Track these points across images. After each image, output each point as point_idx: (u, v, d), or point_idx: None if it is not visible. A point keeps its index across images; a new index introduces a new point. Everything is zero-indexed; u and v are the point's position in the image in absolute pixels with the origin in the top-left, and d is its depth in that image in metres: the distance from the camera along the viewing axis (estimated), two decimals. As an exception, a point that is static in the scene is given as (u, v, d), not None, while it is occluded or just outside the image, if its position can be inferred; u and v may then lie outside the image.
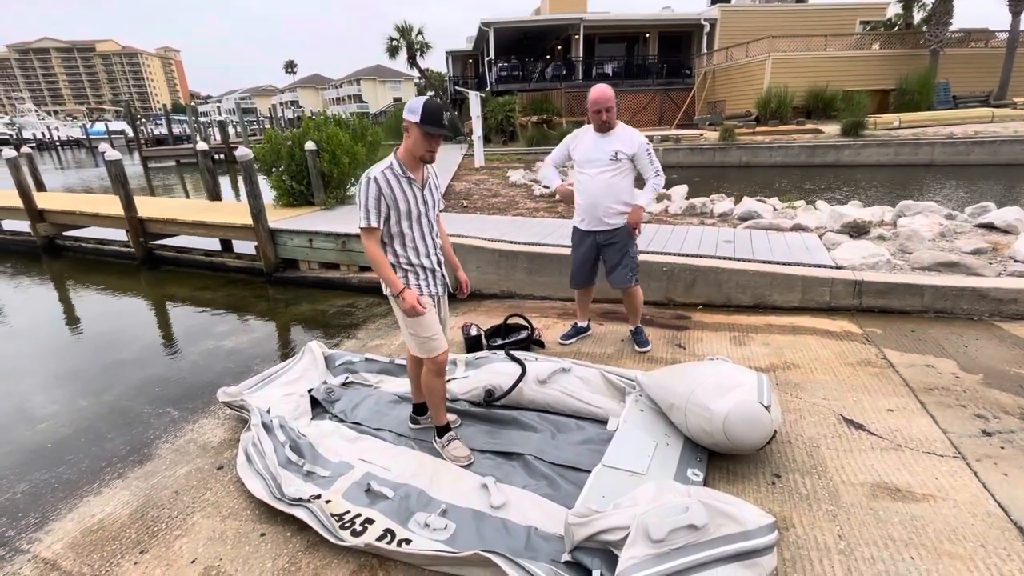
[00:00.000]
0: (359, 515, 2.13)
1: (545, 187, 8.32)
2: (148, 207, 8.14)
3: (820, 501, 2.06)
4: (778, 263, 4.18)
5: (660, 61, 24.53)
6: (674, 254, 4.40)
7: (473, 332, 3.70)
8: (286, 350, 4.75)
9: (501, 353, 3.26)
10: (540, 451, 2.48)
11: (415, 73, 27.33)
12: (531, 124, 19.40)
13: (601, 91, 3.04)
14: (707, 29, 23.45)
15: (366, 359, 3.58)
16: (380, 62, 75.91)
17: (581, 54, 23.75)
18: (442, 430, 2.55)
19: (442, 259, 2.47)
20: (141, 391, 3.94)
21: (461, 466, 2.43)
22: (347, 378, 3.35)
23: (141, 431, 3.27)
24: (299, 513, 2.11)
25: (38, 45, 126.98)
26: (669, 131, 18.54)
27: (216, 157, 22.72)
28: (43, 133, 53.80)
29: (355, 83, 79.68)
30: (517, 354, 3.15)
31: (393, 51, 25.26)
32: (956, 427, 2.46)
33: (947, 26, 19.04)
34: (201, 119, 36.53)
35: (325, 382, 3.32)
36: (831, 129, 16.28)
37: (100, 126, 54.08)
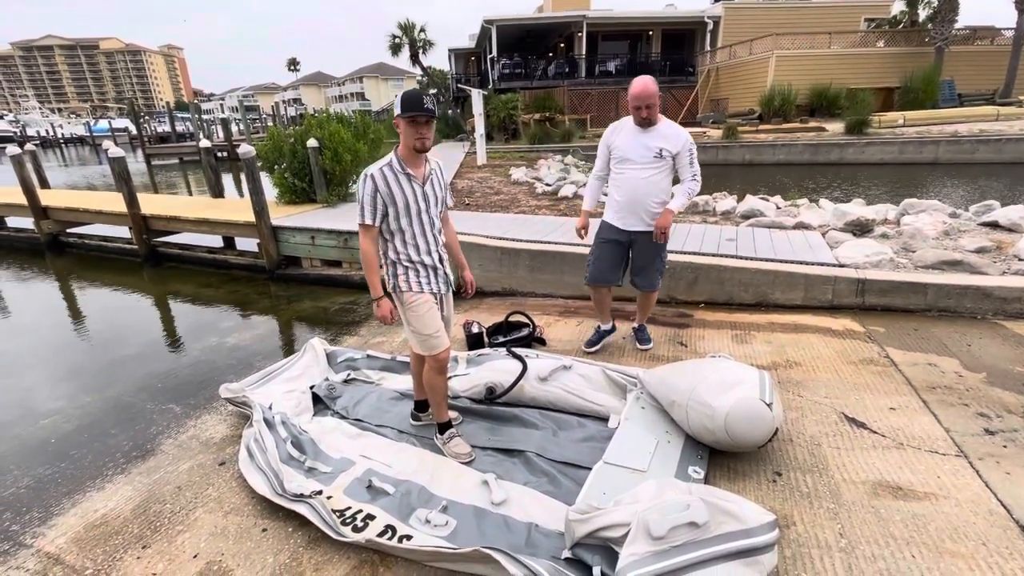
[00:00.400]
0: (360, 511, 2.14)
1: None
2: (151, 204, 8.16)
3: (821, 499, 2.06)
4: (781, 261, 4.16)
5: (663, 59, 24.47)
6: (676, 252, 4.39)
7: (475, 329, 3.71)
8: (288, 347, 4.76)
9: (502, 350, 3.26)
10: (541, 448, 2.48)
11: (418, 71, 27.29)
12: (533, 122, 19.36)
13: (643, 86, 2.80)
14: (710, 27, 23.38)
15: (368, 356, 3.58)
16: (383, 60, 75.80)
17: (584, 52, 23.70)
18: (443, 427, 2.55)
19: (445, 256, 2.46)
20: (144, 387, 3.96)
21: (462, 463, 2.43)
22: (349, 375, 3.36)
23: (144, 427, 3.28)
24: (300, 509, 2.11)
25: (42, 43, 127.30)
26: (672, 129, 18.43)
27: (219, 154, 22.75)
28: (47, 130, 53.92)
29: (358, 81, 79.70)
30: (518, 351, 3.15)
31: (396, 49, 25.22)
32: (958, 426, 2.45)
33: (952, 23, 18.93)
34: (204, 117, 36.58)
35: (327, 379, 3.32)
36: (835, 127, 16.23)
37: (104, 123, 54.16)
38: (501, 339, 3.65)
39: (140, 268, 7.57)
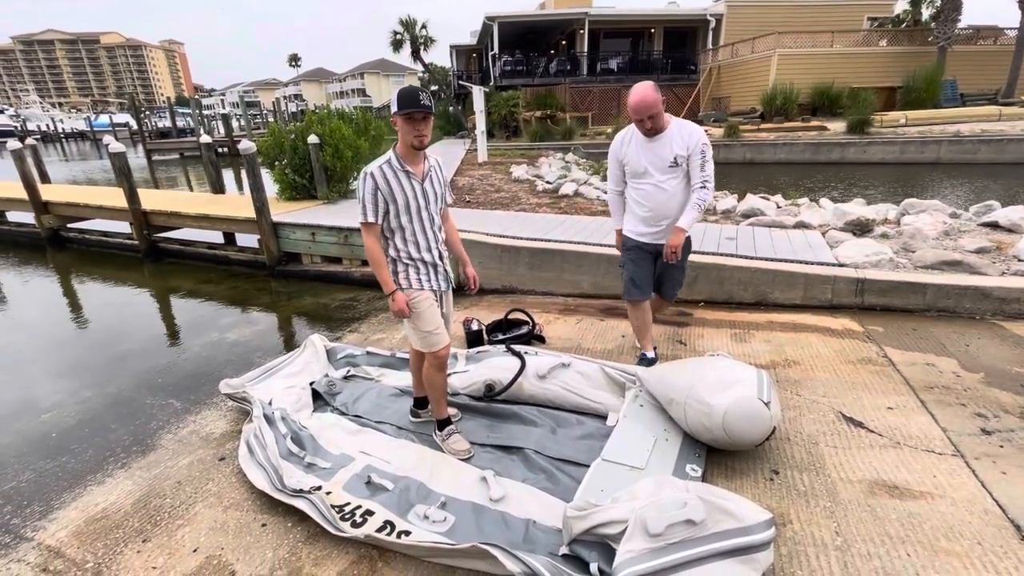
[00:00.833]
0: (359, 506, 2.15)
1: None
2: (152, 200, 8.16)
3: (818, 498, 2.07)
4: (780, 260, 4.17)
5: (665, 57, 24.43)
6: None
7: (474, 327, 3.71)
8: (288, 343, 4.77)
9: (502, 347, 3.27)
10: (540, 445, 2.49)
11: (419, 67, 27.22)
12: (535, 119, 19.34)
13: (640, 96, 2.57)
14: (713, 24, 23.31)
15: (368, 353, 3.59)
16: (384, 56, 75.62)
17: (586, 49, 23.66)
18: (443, 424, 2.56)
19: (445, 254, 2.47)
20: (144, 382, 3.97)
21: (461, 459, 2.44)
22: (349, 371, 3.37)
23: (144, 422, 3.30)
24: (300, 504, 2.12)
25: (42, 37, 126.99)
26: (673, 127, 18.40)
27: (219, 150, 22.75)
28: (47, 125, 53.92)
29: (359, 77, 79.53)
30: (516, 348, 3.16)
31: (397, 45, 25.18)
32: (955, 425, 2.46)
33: (955, 23, 18.88)
34: (205, 112, 36.51)
35: (327, 375, 3.34)
36: (836, 126, 16.20)
37: (104, 118, 54.15)
38: (501, 336, 3.66)
39: (140, 264, 7.58)
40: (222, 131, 29.68)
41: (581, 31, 23.41)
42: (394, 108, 2.13)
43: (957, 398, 2.68)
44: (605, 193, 3.28)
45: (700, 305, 4.21)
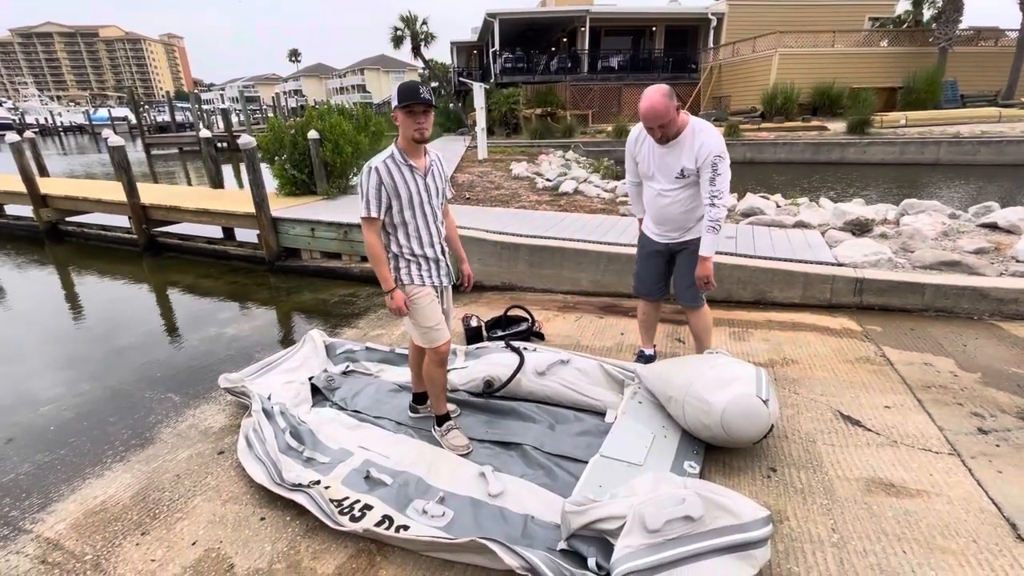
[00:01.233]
0: (358, 501, 2.15)
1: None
2: (151, 194, 8.14)
3: (815, 495, 2.08)
4: (780, 260, 4.17)
5: (666, 55, 24.39)
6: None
7: (474, 323, 3.72)
8: (287, 338, 4.77)
9: (500, 344, 3.27)
10: (538, 441, 2.50)
11: (419, 63, 27.19)
12: (535, 117, 19.30)
13: (649, 104, 2.42)
14: (714, 23, 23.27)
15: (367, 348, 3.60)
16: (384, 52, 75.51)
17: (587, 47, 23.62)
18: (442, 419, 2.56)
19: (446, 249, 2.47)
20: (143, 376, 3.97)
21: (460, 455, 2.45)
22: (348, 367, 3.37)
23: (143, 415, 3.30)
24: (298, 498, 2.13)
25: (41, 29, 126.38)
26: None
27: (219, 145, 22.66)
28: (46, 118, 53.73)
29: (359, 73, 79.30)
30: (516, 345, 3.17)
31: (397, 41, 25.13)
32: (952, 424, 2.47)
33: (956, 24, 18.87)
34: (204, 107, 36.48)
35: (326, 370, 3.34)
36: (837, 126, 16.20)
37: (103, 112, 53.99)
38: (500, 333, 3.66)
39: (139, 258, 7.56)
40: (221, 126, 29.60)
41: (582, 28, 23.37)
42: (395, 102, 2.14)
43: (954, 397, 2.69)
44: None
45: (699, 303, 4.22)
